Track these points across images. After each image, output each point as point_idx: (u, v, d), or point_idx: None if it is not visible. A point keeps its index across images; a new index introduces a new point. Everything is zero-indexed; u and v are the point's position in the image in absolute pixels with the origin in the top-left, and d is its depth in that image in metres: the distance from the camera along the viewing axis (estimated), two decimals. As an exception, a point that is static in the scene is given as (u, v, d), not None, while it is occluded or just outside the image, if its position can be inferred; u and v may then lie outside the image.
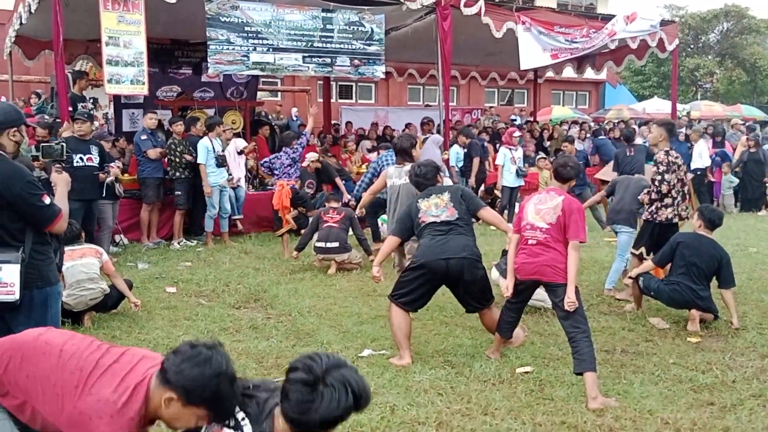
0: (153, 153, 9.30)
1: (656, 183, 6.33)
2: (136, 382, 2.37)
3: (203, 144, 9.30)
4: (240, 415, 2.35)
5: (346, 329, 5.79)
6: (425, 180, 5.26)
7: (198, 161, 9.28)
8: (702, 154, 12.61)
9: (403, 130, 14.66)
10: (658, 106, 24.94)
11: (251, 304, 6.70)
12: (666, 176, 6.31)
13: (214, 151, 9.36)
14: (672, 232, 6.31)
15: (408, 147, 6.49)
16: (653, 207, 6.43)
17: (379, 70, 10.82)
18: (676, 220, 6.44)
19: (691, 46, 36.50)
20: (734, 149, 13.93)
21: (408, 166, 6.15)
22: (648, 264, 6.16)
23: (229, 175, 9.78)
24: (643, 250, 6.60)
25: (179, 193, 9.45)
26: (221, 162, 9.42)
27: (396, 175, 6.44)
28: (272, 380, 2.57)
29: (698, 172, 12.40)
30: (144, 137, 9.43)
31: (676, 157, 6.43)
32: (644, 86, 34.89)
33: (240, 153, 10.39)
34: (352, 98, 26.13)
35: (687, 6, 41.32)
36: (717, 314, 5.89)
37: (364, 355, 5.15)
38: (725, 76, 36.61)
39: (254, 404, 2.38)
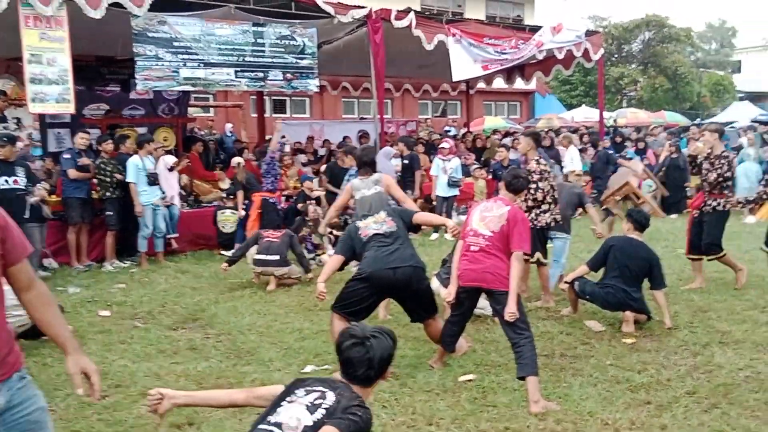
0: (73, 173, 9.00)
1: (531, 191, 6.60)
2: None
3: (133, 162, 9.07)
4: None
5: (288, 346, 5.71)
6: (369, 159, 5.78)
7: (128, 180, 9.04)
8: (573, 159, 13.03)
9: (340, 144, 14.65)
10: (586, 114, 25.69)
11: (189, 324, 6.54)
12: (540, 184, 6.65)
13: (145, 169, 9.14)
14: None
15: (372, 159, 6.50)
16: (532, 214, 6.69)
17: (313, 84, 10.80)
18: (553, 223, 6.81)
19: (615, 56, 37.72)
20: (656, 156, 14.44)
21: (375, 176, 6.24)
22: (582, 268, 6.31)
23: (162, 193, 9.56)
24: (539, 255, 6.80)
25: (110, 213, 9.17)
26: (153, 180, 9.20)
27: (364, 187, 6.31)
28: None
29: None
30: (67, 156, 9.14)
31: (546, 165, 6.81)
32: (572, 95, 35.86)
33: (171, 170, 10.17)
34: (286, 112, 25.97)
35: (610, 17, 42.92)
36: (650, 315, 6.07)
37: (307, 371, 5.08)
38: (648, 84, 37.97)
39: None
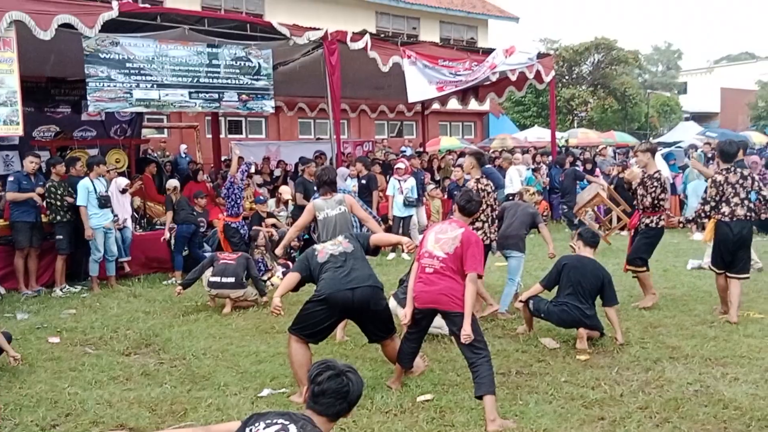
0: (11, 195, 8.78)
1: None
2: None
3: (83, 185, 8.90)
4: None
5: (244, 369, 5.64)
6: (330, 179, 5.96)
7: (78, 203, 8.87)
8: (513, 180, 13.31)
9: (296, 164, 14.61)
10: (538, 135, 26.19)
11: (142, 349, 6.41)
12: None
13: (96, 192, 8.98)
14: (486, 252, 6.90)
15: (333, 179, 6.60)
16: None
17: (268, 105, 10.79)
18: (488, 242, 7.00)
19: (566, 77, 38.58)
20: (606, 174, 14.78)
21: (338, 196, 6.41)
22: (537, 287, 6.39)
23: (114, 216, 9.40)
24: None
25: (60, 237, 8.96)
26: (103, 203, 9.04)
27: (328, 207, 6.40)
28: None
29: (510, 198, 12.98)
30: (11, 179, 8.92)
31: (486, 185, 7.11)
32: (525, 116, 36.51)
33: (123, 192, 10.01)
34: (242, 133, 25.83)
35: (560, 39, 43.87)
36: (603, 331, 6.18)
37: (263, 395, 5.03)
38: (598, 104, 38.88)
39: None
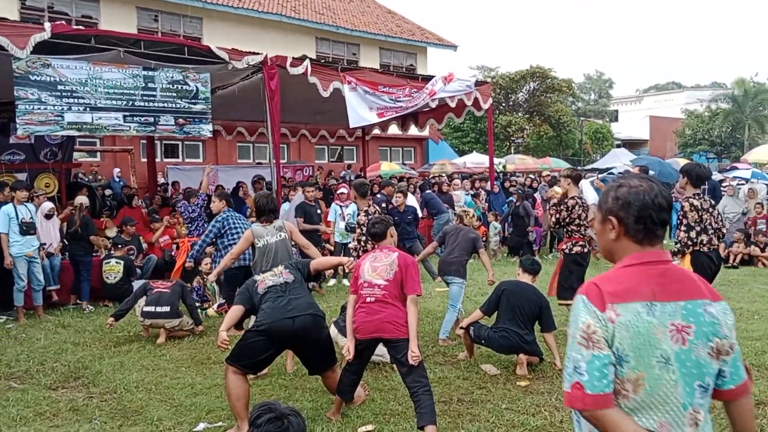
0: None
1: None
2: None
3: (4, 211, 8.54)
4: None
5: (178, 403, 5.45)
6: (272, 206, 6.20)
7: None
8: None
9: (234, 188, 14.38)
10: (477, 160, 26.57)
11: (71, 383, 6.13)
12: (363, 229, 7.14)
13: (18, 219, 8.61)
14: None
15: (273, 207, 6.61)
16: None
17: (206, 129, 10.61)
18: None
19: (503, 104, 39.46)
20: (545, 199, 15.08)
21: (278, 222, 6.50)
22: (477, 313, 6.41)
23: (42, 243, 9.03)
24: None
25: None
26: (26, 230, 8.67)
27: (267, 234, 6.46)
28: None
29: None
30: None
31: (375, 212, 7.36)
32: (464, 141, 37.09)
33: (48, 217, 9.63)
34: (178, 157, 25.37)
35: (498, 67, 45.01)
36: (542, 357, 6.23)
37: (199, 430, 4.86)
38: (534, 131, 39.84)
39: None
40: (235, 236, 7.99)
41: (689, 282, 2.09)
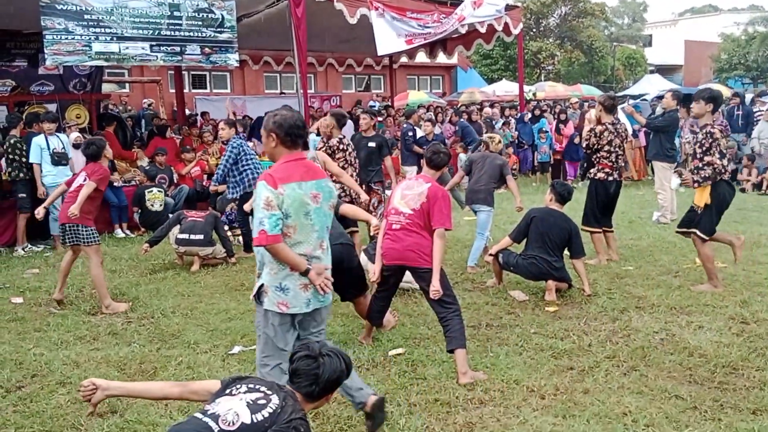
0: None
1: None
2: None
3: (36, 142, 8.66)
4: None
5: (213, 327, 5.60)
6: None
7: (30, 160, 8.62)
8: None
9: (259, 119, 14.35)
10: (506, 88, 26.12)
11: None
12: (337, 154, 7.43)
13: (49, 149, 8.72)
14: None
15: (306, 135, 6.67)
16: None
17: (233, 58, 10.52)
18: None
19: (534, 30, 38.44)
20: (576, 127, 14.83)
21: (310, 153, 6.56)
22: (506, 240, 6.42)
23: (75, 173, 9.18)
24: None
25: (22, 195, 8.72)
26: (58, 160, 8.78)
27: None
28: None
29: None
30: None
31: (347, 144, 7.65)
32: (493, 69, 36.38)
33: (76, 147, 9.73)
34: (206, 88, 25.34)
35: (528, -9, 43.54)
36: (571, 283, 6.25)
37: (234, 353, 5.00)
38: (565, 57, 38.91)
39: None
40: (250, 162, 8.02)
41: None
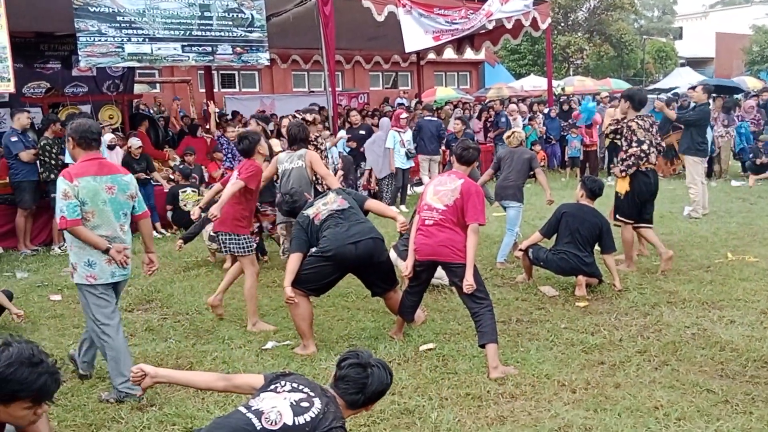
0: (26, 155, 8.72)
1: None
2: None
3: None
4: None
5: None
6: (295, 205, 5.37)
7: (66, 161, 8.82)
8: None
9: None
10: (534, 83, 25.95)
11: (145, 305, 6.47)
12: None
13: None
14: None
15: (303, 136, 6.76)
16: None
17: (263, 57, 10.64)
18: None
19: (562, 24, 38.08)
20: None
21: (301, 151, 6.65)
22: (536, 236, 6.43)
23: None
24: None
25: (54, 195, 8.91)
26: None
27: (287, 160, 6.72)
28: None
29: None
30: (14, 139, 8.81)
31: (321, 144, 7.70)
32: (520, 64, 36.13)
33: (110, 148, 9.92)
34: (235, 87, 25.57)
35: (556, -15, 43.13)
36: (601, 278, 6.24)
37: (268, 348, 5.09)
38: (594, 51, 38.48)
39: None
40: None
41: (111, 165, 4.40)
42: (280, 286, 6.43)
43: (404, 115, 11.82)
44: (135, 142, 10.00)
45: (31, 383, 2.38)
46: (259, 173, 5.72)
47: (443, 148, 12.56)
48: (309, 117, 7.87)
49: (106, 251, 4.12)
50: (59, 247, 8.88)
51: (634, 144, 6.71)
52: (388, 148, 11.44)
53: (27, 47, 11.67)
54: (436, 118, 13.26)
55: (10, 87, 8.57)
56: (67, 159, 8.76)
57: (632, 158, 6.71)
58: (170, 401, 4.15)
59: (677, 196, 11.21)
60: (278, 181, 6.95)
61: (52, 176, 8.86)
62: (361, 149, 11.39)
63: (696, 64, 42.17)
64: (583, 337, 5.02)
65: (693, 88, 12.26)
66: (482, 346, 4.49)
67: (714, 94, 12.58)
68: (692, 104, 10.89)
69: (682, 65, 38.11)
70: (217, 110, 11.34)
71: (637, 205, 6.83)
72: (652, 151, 6.72)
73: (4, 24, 8.19)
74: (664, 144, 7.20)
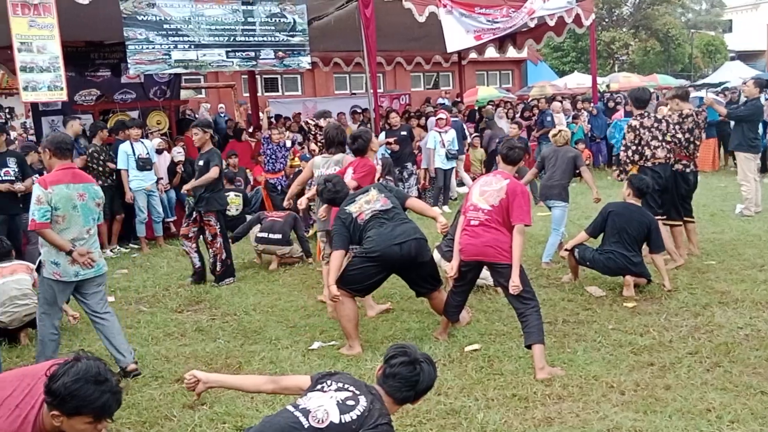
0: (79, 161, 8.98)
1: None
2: (28, 410, 2.49)
3: (122, 149, 9.12)
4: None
5: (293, 324, 5.78)
6: (337, 195, 5.26)
7: (118, 167, 9.06)
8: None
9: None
10: (578, 81, 25.64)
11: (194, 306, 6.60)
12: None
13: (135, 155, 9.15)
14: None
15: (341, 140, 6.32)
16: None
17: (305, 61, 10.74)
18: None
19: (606, 20, 37.53)
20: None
21: (338, 156, 6.20)
22: (582, 235, 6.35)
23: (159, 177, 9.59)
24: None
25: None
26: (143, 165, 9.20)
27: (323, 165, 6.28)
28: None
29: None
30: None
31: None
32: (564, 62, 35.74)
33: (158, 152, 10.13)
34: (278, 90, 25.87)
35: (600, -20, 42.49)
36: (650, 278, 6.14)
37: (314, 348, 5.15)
38: (640, 47, 37.81)
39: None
40: None
41: (83, 175, 4.84)
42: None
43: (441, 115, 11.81)
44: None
45: (94, 401, 2.40)
46: (372, 172, 5.80)
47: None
48: (322, 122, 7.68)
49: (69, 253, 4.57)
50: (111, 250, 9.12)
51: (622, 147, 6.83)
52: (429, 149, 11.46)
53: (78, 56, 11.98)
54: (458, 119, 13.25)
55: (63, 95, 8.81)
56: (120, 165, 9.02)
57: (621, 162, 6.89)
58: (220, 400, 4.23)
59: (729, 193, 10.95)
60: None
61: (100, 182, 9.09)
62: (405, 150, 11.37)
63: (747, 57, 41.02)
64: (632, 338, 4.95)
65: (745, 82, 11.97)
66: (528, 346, 4.47)
67: (766, 88, 12.23)
68: (743, 99, 10.60)
69: (732, 59, 37.10)
70: (272, 114, 11.50)
71: (665, 202, 6.85)
72: (658, 147, 6.69)
73: (57, 34, 8.44)
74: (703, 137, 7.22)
